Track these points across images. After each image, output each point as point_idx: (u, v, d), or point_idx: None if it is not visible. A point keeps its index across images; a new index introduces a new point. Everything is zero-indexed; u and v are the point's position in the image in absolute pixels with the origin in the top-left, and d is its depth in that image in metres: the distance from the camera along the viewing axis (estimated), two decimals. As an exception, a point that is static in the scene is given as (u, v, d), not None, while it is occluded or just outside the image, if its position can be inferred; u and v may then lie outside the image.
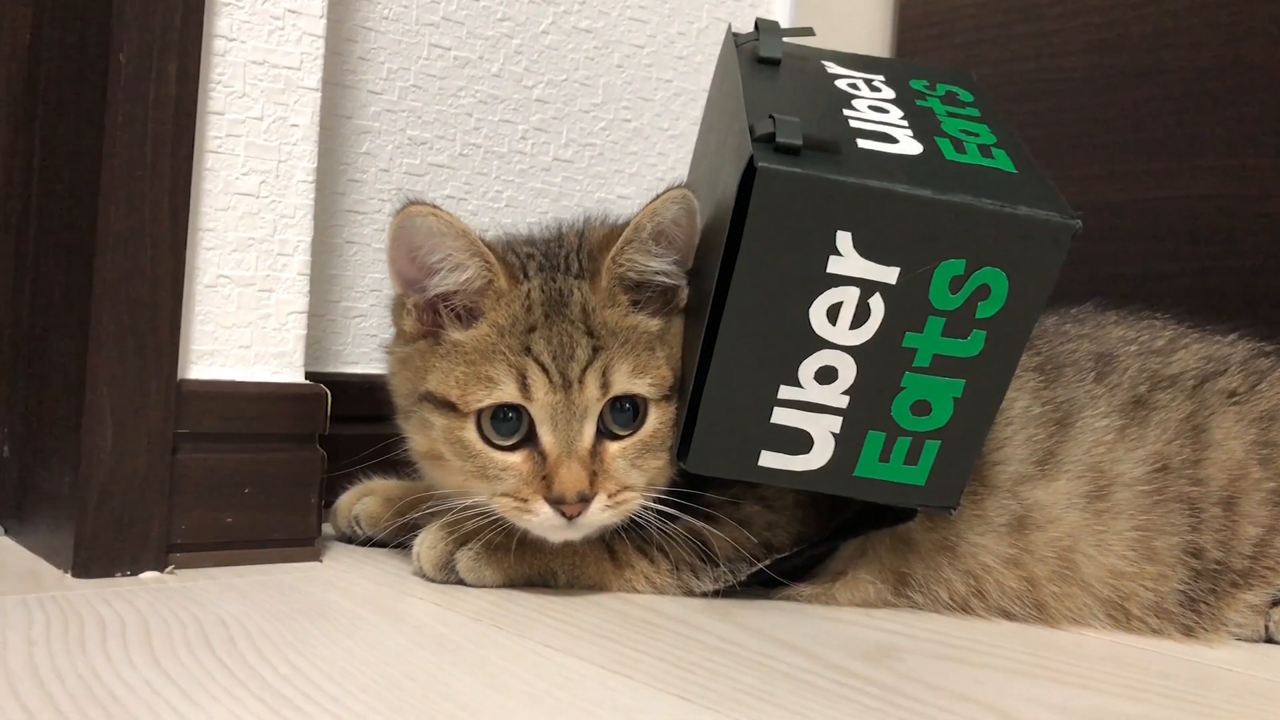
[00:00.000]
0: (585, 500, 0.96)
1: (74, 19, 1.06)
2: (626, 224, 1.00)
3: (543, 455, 0.97)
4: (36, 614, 0.85)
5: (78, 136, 1.04)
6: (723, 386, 0.93)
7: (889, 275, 0.88)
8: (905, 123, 0.96)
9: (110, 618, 0.85)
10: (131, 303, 1.00)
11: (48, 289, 1.08)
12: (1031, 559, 1.03)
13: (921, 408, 0.93)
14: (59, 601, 0.89)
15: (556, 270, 1.02)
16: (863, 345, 0.91)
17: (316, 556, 1.10)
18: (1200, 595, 1.03)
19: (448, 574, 1.02)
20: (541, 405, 0.97)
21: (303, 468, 1.09)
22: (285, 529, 1.08)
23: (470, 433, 0.99)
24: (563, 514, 0.96)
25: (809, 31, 1.15)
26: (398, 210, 0.97)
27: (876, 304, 0.89)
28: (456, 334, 1.01)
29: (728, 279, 0.90)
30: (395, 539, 1.17)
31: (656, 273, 1.02)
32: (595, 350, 0.98)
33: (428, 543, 1.03)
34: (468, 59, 1.47)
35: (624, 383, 0.99)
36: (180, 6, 1.01)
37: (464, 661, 0.80)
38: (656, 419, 1.00)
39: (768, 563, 1.04)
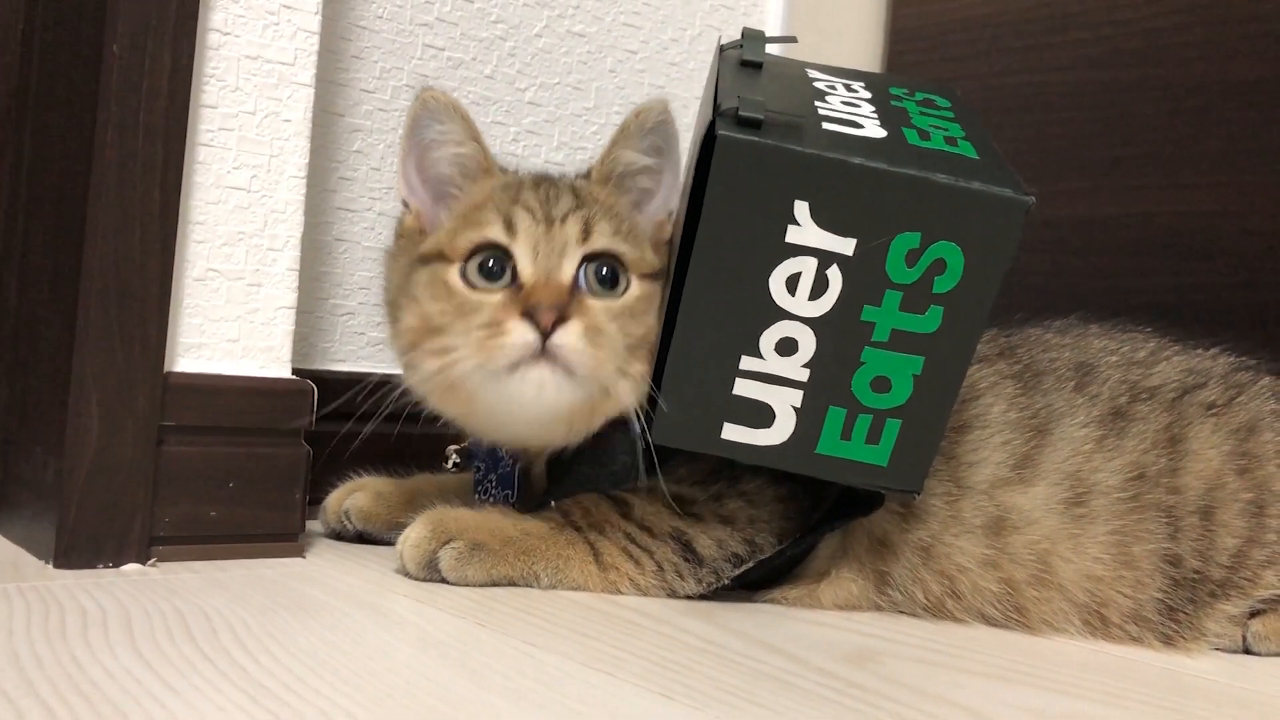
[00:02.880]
0: (562, 317, 0.97)
1: (68, 10, 1.06)
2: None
3: (520, 286, 1.01)
4: (17, 602, 0.85)
5: (69, 127, 1.03)
6: (686, 355, 0.95)
7: (846, 246, 0.90)
8: (875, 115, 0.98)
9: (91, 608, 0.85)
10: (120, 294, 0.99)
11: (35, 278, 1.08)
12: (1009, 561, 1.04)
13: (881, 384, 0.94)
14: (39, 591, 0.89)
15: (549, 176, 1.13)
16: (822, 317, 0.92)
17: (300, 552, 1.10)
18: (1179, 604, 1.04)
19: (430, 572, 1.02)
20: (524, 238, 1.03)
21: (288, 463, 1.09)
22: (269, 524, 1.07)
23: (454, 275, 1.04)
24: (537, 326, 0.97)
25: (792, 39, 1.18)
26: (415, 97, 1.09)
27: (834, 275, 0.91)
28: (453, 203, 1.10)
29: (686, 262, 0.92)
30: (385, 534, 1.17)
31: (640, 169, 1.10)
32: (578, 205, 1.06)
33: (411, 540, 1.03)
34: (461, 60, 1.47)
35: (605, 238, 1.04)
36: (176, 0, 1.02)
37: (446, 657, 0.80)
38: (638, 291, 1.04)
39: (752, 564, 1.04)
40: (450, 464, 1.17)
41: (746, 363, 0.94)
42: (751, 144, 0.88)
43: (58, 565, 0.97)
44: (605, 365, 0.99)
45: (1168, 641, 1.04)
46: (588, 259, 1.03)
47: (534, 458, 1.11)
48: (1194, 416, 1.09)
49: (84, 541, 0.98)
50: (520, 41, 1.53)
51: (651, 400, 0.99)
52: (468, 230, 1.05)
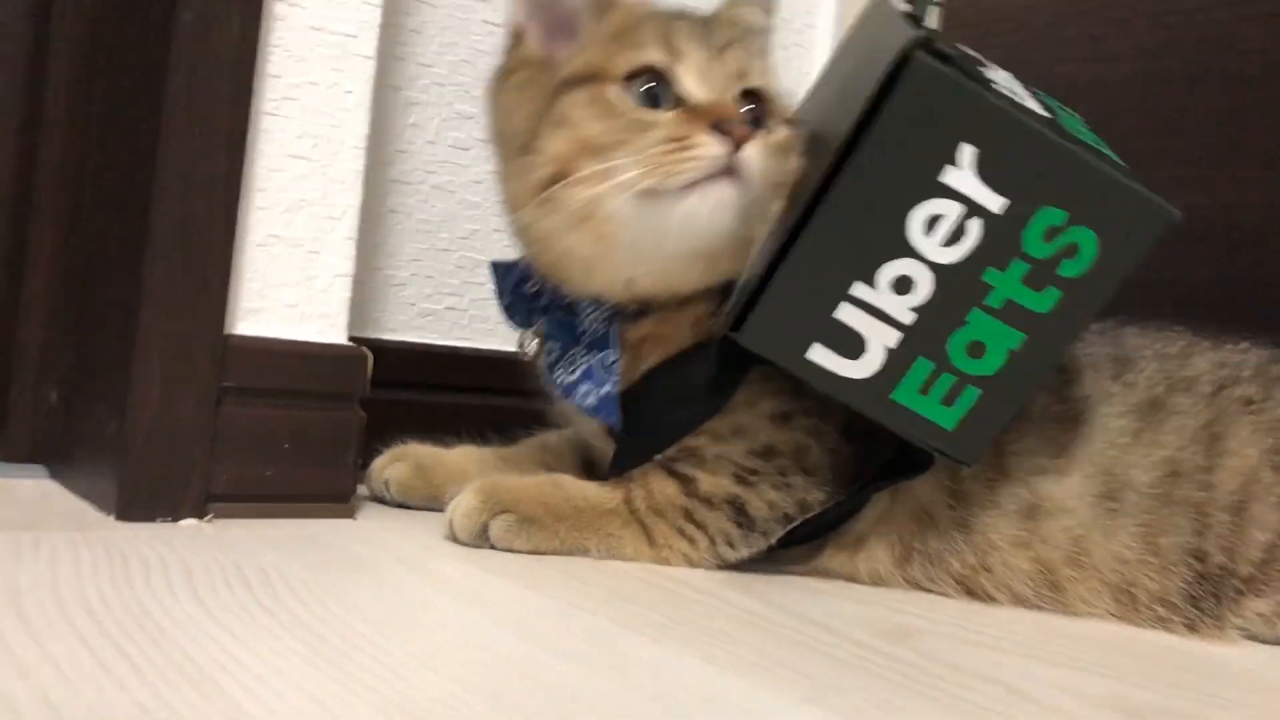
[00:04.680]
0: (748, 132, 0.96)
1: (139, -22, 1.09)
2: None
3: (695, 107, 0.99)
4: (83, 551, 0.88)
5: (138, 91, 1.06)
6: (801, 267, 0.93)
7: (995, 203, 0.91)
8: (1032, 98, 0.98)
9: (153, 558, 0.88)
10: (184, 258, 1.02)
11: (101, 239, 1.11)
12: (1041, 543, 1.05)
13: (977, 349, 0.95)
14: (104, 541, 0.92)
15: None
16: (947, 265, 0.92)
17: (351, 514, 1.12)
18: (1202, 596, 1.04)
19: (480, 540, 1.03)
20: (690, 62, 1.01)
21: (342, 427, 1.11)
22: (322, 485, 1.10)
23: (616, 91, 1.00)
24: (729, 138, 0.95)
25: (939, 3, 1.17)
26: None
27: (973, 228, 0.91)
28: (588, 30, 1.06)
29: (839, 167, 0.91)
30: (423, 506, 1.18)
31: (757, 30, 1.12)
32: (731, 39, 1.04)
33: (462, 509, 1.04)
34: (517, 37, 1.49)
35: (759, 76, 1.04)
36: (244, -30, 1.04)
37: (494, 615, 0.82)
38: (785, 133, 1.03)
39: (799, 522, 1.05)
40: (523, 354, 1.14)
41: (858, 289, 0.93)
42: (943, 74, 0.88)
43: (119, 518, 1.00)
44: (781, 177, 0.98)
45: (1191, 628, 1.04)
46: (743, 94, 1.02)
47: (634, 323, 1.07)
48: (1234, 413, 1.09)
49: (144, 496, 1.01)
50: (576, 20, 1.54)
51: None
52: (625, 51, 1.01)
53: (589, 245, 1.01)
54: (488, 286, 1.46)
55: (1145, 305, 1.21)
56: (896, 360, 0.95)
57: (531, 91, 1.05)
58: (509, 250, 1.16)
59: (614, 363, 1.05)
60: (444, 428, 1.24)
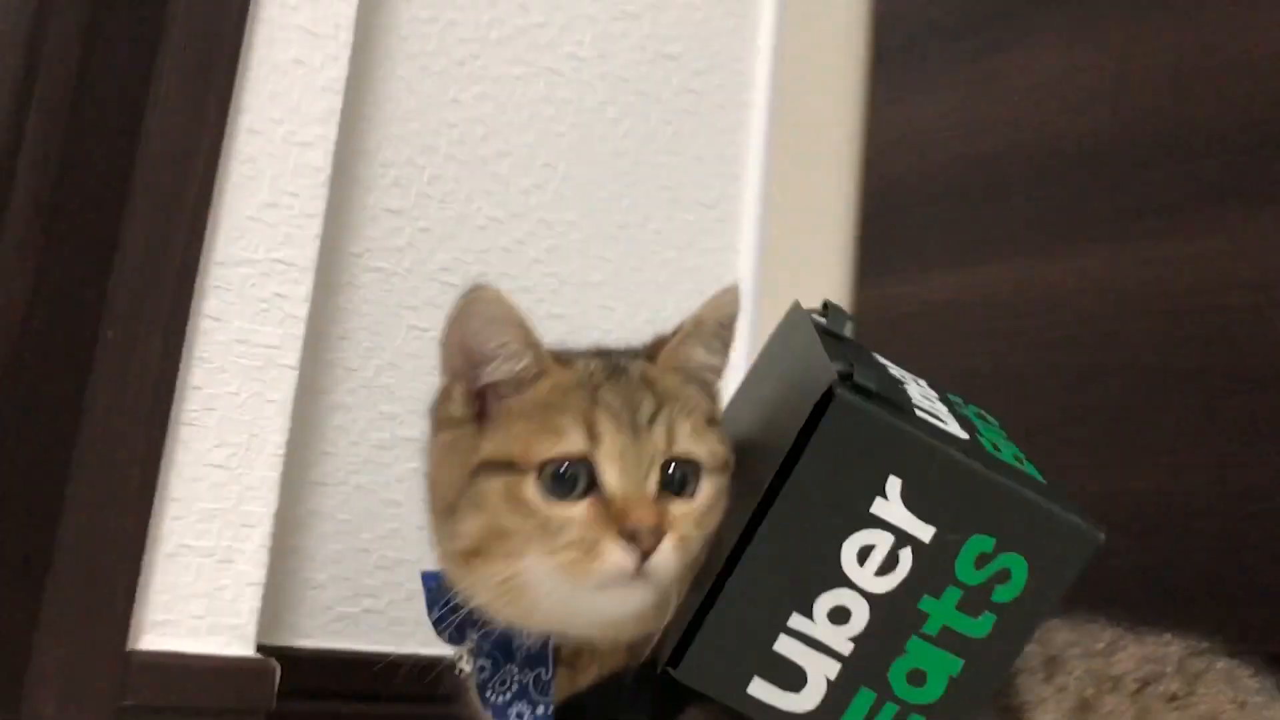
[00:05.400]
0: (658, 538, 0.93)
1: (65, 293, 1.12)
2: (684, 323, 1.06)
3: (608, 501, 0.95)
4: None
5: (59, 406, 1.07)
6: (737, 602, 0.92)
7: (925, 533, 0.91)
8: (950, 414, 1.00)
9: None
10: (90, 569, 1.01)
11: (5, 551, 1.09)
12: None
13: (917, 677, 0.93)
14: None
15: (614, 359, 1.06)
16: (882, 595, 0.92)
17: (250, 842, 1.06)
18: None
19: None
20: (609, 449, 0.97)
21: (245, 745, 1.07)
22: (221, 811, 1.05)
23: (530, 489, 0.96)
24: (636, 548, 0.92)
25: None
26: (464, 293, 1.00)
27: (905, 557, 0.91)
28: (512, 401, 1.01)
29: (769, 501, 0.91)
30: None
31: (709, 367, 1.07)
32: (659, 406, 1.00)
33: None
34: (443, 340, 1.54)
35: (686, 441, 1.00)
36: (172, 288, 1.08)
37: None
38: (709, 488, 0.99)
39: None
40: (459, 672, 1.06)
41: (796, 621, 0.92)
42: (865, 411, 0.89)
43: None
44: (687, 553, 0.96)
45: None
46: (669, 463, 1.00)
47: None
48: (1159, 711, 1.09)
49: (26, 830, 0.95)
50: (500, 323, 1.60)
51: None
52: (543, 437, 0.98)
53: (511, 608, 0.99)
54: (406, 587, 1.45)
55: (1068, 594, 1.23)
56: (838, 691, 0.93)
57: (455, 456, 1.04)
58: (426, 547, 1.15)
59: (549, 681, 1.02)
60: None
